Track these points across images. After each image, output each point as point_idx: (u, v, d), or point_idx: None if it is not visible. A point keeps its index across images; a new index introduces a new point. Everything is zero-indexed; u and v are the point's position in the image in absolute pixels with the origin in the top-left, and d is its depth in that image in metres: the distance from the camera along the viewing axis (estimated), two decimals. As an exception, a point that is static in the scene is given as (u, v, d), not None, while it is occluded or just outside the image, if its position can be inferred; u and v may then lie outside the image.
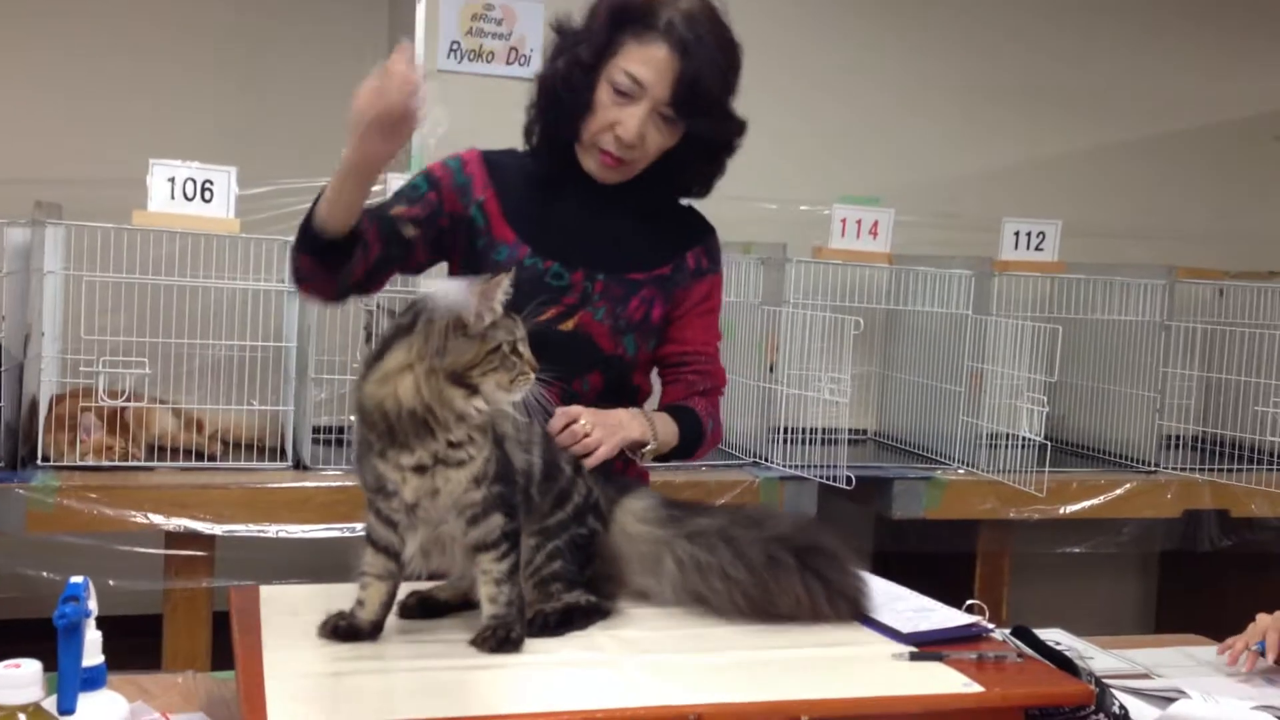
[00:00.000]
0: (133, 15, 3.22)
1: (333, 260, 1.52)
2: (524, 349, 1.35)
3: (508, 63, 3.21)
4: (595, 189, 1.72)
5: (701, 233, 1.83)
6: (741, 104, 3.47)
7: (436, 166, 1.73)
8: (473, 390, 1.31)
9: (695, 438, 1.77)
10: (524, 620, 1.36)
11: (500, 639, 1.32)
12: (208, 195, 2.54)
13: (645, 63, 1.62)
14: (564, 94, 1.66)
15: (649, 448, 1.68)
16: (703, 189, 1.81)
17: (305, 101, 3.29)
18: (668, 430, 1.72)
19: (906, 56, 3.62)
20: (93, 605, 1.06)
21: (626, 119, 1.63)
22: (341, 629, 1.37)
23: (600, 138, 1.66)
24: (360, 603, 1.38)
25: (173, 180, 2.51)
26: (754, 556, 1.46)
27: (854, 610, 1.48)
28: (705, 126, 1.69)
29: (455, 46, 3.19)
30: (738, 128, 1.76)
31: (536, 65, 1.80)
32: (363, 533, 1.40)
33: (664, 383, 1.83)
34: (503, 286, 1.32)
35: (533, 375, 1.35)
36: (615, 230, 1.74)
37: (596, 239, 1.73)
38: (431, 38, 3.15)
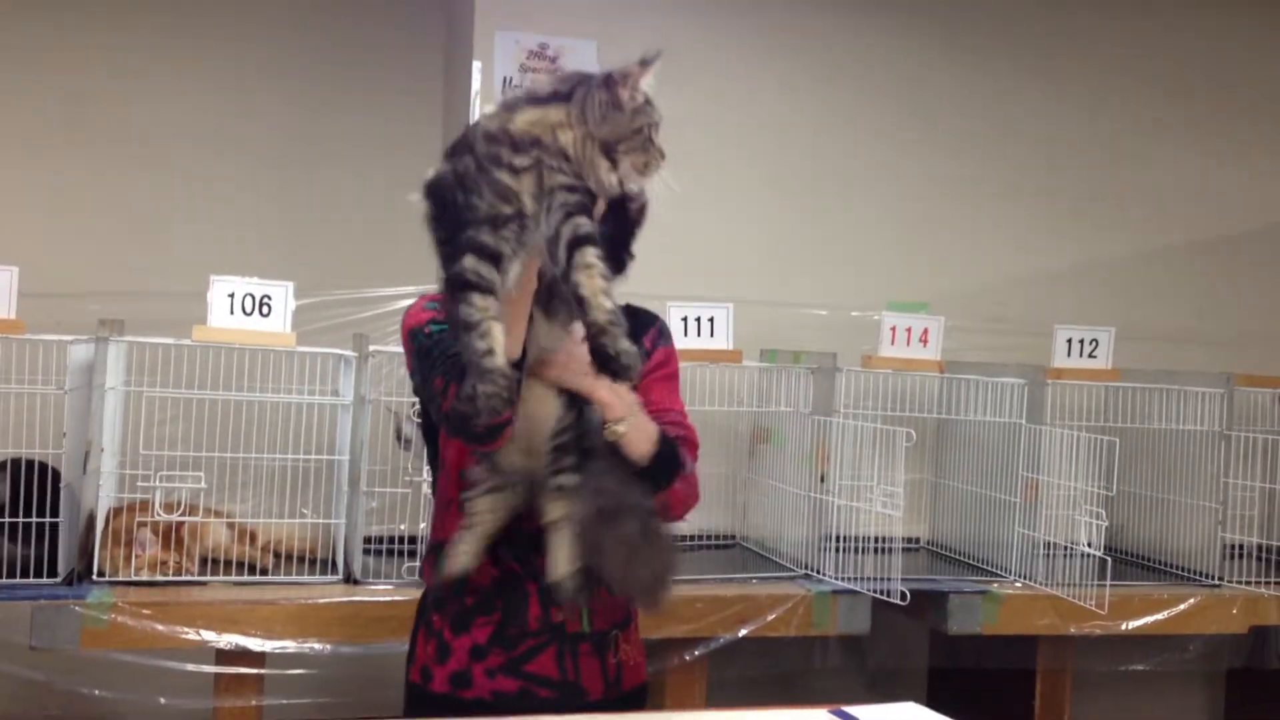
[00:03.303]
0: (190, 134, 3.32)
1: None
2: (657, 137, 1.53)
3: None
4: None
5: (649, 320, 1.92)
6: (791, 210, 3.53)
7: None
8: (614, 164, 1.49)
9: (672, 458, 1.74)
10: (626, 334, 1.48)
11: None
12: (265, 310, 2.59)
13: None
14: None
15: (617, 426, 1.66)
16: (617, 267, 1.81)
17: (356, 215, 3.37)
18: (645, 432, 1.69)
19: (954, 160, 3.64)
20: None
21: None
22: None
23: None
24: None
25: (232, 295, 2.56)
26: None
27: None
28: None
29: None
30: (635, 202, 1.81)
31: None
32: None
33: None
34: (652, 70, 1.52)
35: (662, 160, 1.53)
36: None
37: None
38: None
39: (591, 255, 1.46)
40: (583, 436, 1.67)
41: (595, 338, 1.47)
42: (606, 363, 1.47)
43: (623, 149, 1.49)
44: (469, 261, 1.46)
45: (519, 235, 1.48)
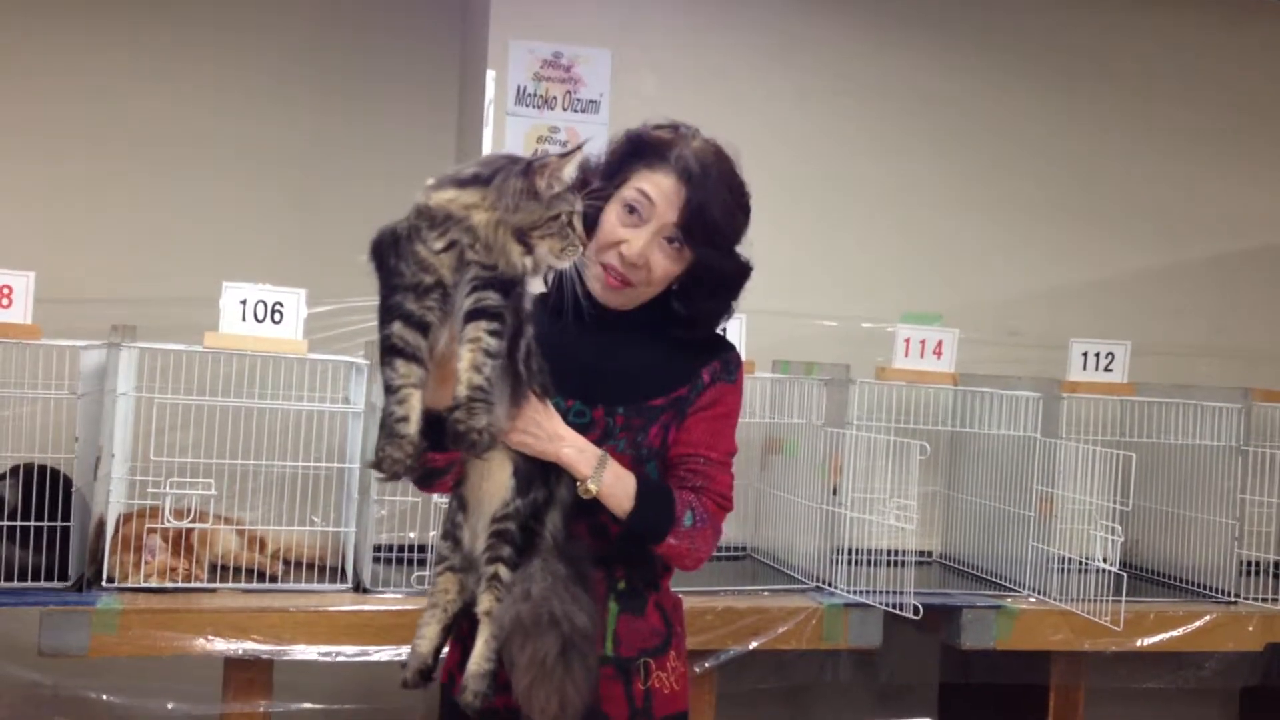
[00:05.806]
0: (204, 140, 3.33)
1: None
2: (578, 224, 1.55)
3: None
4: (608, 320, 1.77)
5: (719, 350, 1.86)
6: (805, 220, 3.55)
7: None
8: (529, 249, 1.52)
9: (660, 512, 1.72)
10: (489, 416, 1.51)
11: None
12: (277, 317, 2.59)
13: (655, 186, 1.73)
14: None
15: (589, 485, 1.67)
16: (708, 325, 1.85)
17: (369, 221, 3.35)
18: (621, 484, 1.70)
19: (969, 172, 3.63)
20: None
21: (632, 238, 1.72)
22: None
23: (604, 255, 1.74)
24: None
25: (244, 302, 2.56)
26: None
27: None
28: (710, 257, 1.77)
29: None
30: (742, 268, 1.83)
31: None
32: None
33: None
34: (574, 161, 1.55)
35: (581, 248, 1.56)
36: (631, 359, 1.79)
37: (614, 372, 1.77)
38: (499, 135, 3.21)
39: (479, 329, 1.51)
40: (527, 528, 1.65)
41: (452, 410, 1.51)
42: (456, 439, 1.52)
43: (537, 235, 1.53)
44: (397, 327, 1.52)
45: (441, 304, 1.53)
